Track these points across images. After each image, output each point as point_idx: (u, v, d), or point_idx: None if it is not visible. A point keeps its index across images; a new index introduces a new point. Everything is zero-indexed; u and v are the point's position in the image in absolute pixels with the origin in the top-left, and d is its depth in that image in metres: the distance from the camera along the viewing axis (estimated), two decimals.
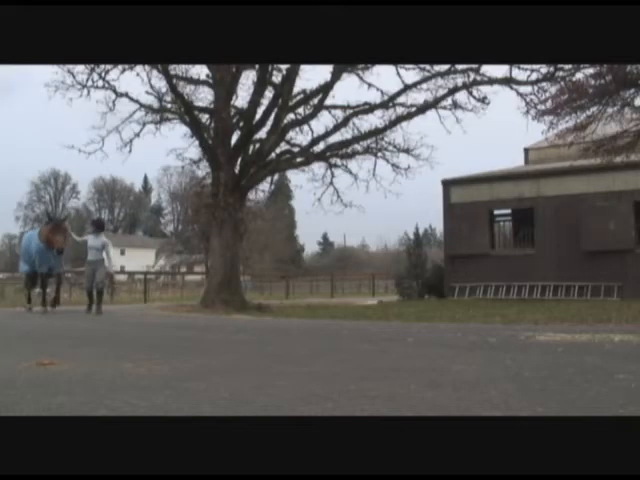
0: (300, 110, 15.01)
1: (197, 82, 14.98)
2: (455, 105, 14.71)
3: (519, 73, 13.93)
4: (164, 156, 18.07)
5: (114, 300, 19.22)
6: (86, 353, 4.38)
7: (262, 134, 14.54)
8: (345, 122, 14.95)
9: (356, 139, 15.12)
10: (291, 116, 14.92)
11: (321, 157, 15.41)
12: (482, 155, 72.68)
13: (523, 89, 13.97)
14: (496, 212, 19.87)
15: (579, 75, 12.85)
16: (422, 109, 14.71)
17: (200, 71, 14.78)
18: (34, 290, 11.91)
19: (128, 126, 15.23)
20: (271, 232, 41.33)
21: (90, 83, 14.29)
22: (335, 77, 14.20)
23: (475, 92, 14.56)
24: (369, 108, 14.88)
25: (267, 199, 28.40)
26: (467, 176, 19.91)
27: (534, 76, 13.74)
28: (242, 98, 14.76)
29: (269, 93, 14.32)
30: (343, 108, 15.08)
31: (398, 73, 14.55)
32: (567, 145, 13.92)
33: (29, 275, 12.22)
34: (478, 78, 14.38)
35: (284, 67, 13.80)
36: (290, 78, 13.97)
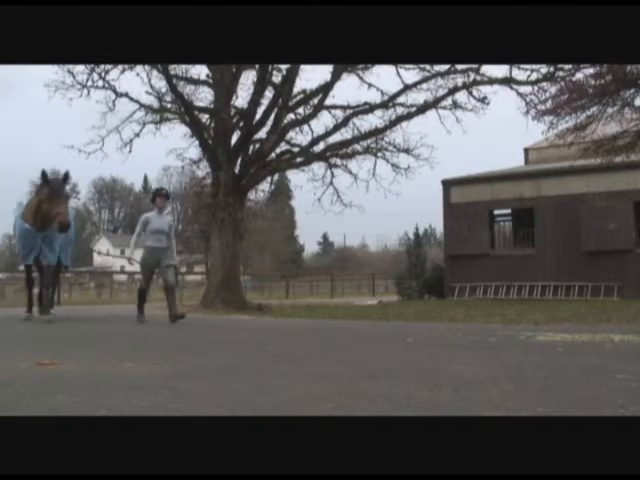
0: (300, 110, 15.02)
1: (197, 82, 14.98)
2: (455, 105, 14.72)
3: (519, 73, 13.95)
4: (164, 156, 18.08)
5: (114, 300, 19.24)
6: (86, 353, 4.38)
7: (262, 134, 14.55)
8: (345, 122, 14.95)
9: (356, 139, 15.12)
10: (291, 116, 14.93)
11: (321, 157, 15.42)
12: (482, 155, 72.74)
13: (523, 89, 13.98)
14: (496, 212, 19.89)
15: (579, 75, 12.87)
16: (422, 109, 14.71)
17: (200, 71, 14.80)
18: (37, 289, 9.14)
19: (128, 126, 15.24)
20: (271, 232, 41.33)
21: (90, 83, 14.30)
22: (335, 77, 14.20)
23: (475, 92, 14.58)
24: (369, 108, 14.88)
25: (267, 199, 28.38)
26: (467, 176, 19.92)
27: (534, 76, 13.75)
28: (242, 98, 14.78)
29: (269, 93, 14.33)
30: (343, 108, 15.08)
31: (398, 73, 14.57)
32: (567, 145, 13.94)
33: (28, 269, 9.00)
34: (478, 78, 14.39)
35: (284, 67, 13.80)
36: (290, 78, 13.98)
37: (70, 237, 9.01)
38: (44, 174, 7.98)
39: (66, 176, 8.10)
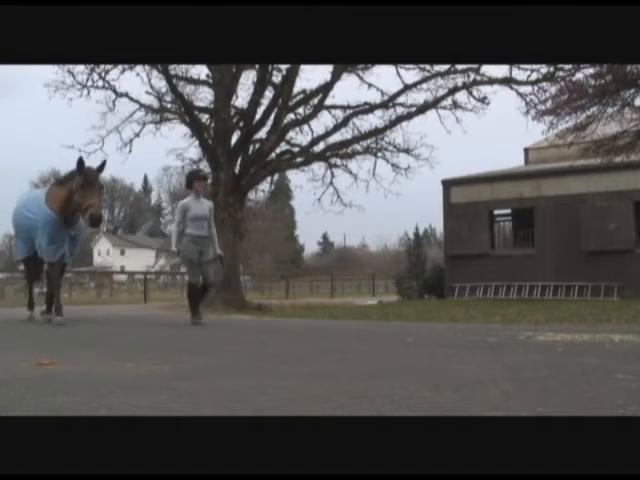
0: (300, 110, 15.03)
1: (197, 82, 14.99)
2: (455, 105, 14.73)
3: (519, 73, 13.97)
4: (164, 156, 18.09)
5: (114, 300, 19.22)
6: (86, 353, 4.38)
7: (262, 134, 14.55)
8: (345, 122, 14.96)
9: (356, 139, 15.13)
10: (291, 116, 14.94)
11: (321, 157, 15.42)
12: (482, 155, 72.79)
13: (523, 89, 13.99)
14: (496, 212, 19.89)
15: (579, 75, 12.87)
16: (422, 109, 14.72)
17: (200, 71, 14.82)
18: (37, 288, 8.64)
19: (128, 126, 15.25)
20: (271, 232, 41.34)
21: (90, 83, 14.31)
22: (335, 77, 14.21)
23: (475, 92, 14.59)
24: (369, 108, 14.89)
25: (267, 199, 28.40)
26: (467, 176, 19.93)
27: (534, 76, 13.76)
28: (242, 98, 14.79)
29: (269, 93, 14.33)
30: (343, 108, 15.09)
31: (398, 73, 14.57)
32: (567, 145, 13.95)
33: (29, 262, 8.26)
34: (478, 78, 14.40)
35: (284, 67, 13.81)
36: (290, 78, 13.98)
37: (83, 234, 8.31)
38: (81, 161, 7.23)
39: (102, 165, 7.39)
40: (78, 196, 7.11)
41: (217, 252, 7.70)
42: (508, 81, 14.10)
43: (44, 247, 7.53)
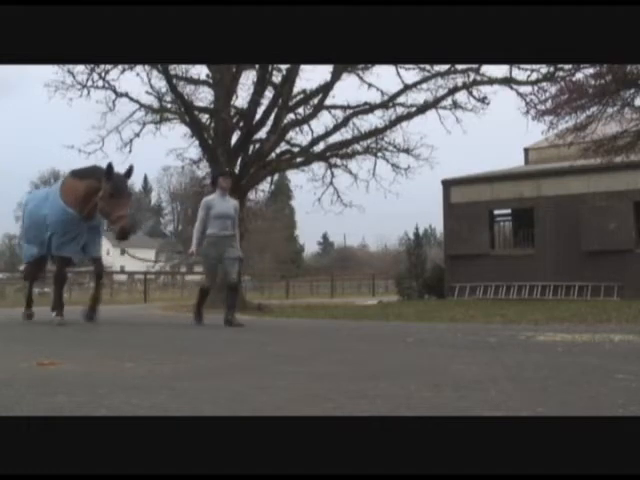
0: (300, 110, 15.03)
1: (197, 82, 15.00)
2: (455, 105, 14.74)
3: (519, 73, 13.98)
4: (164, 156, 18.09)
5: (114, 300, 19.22)
6: (86, 353, 4.38)
7: (262, 134, 14.56)
8: (345, 122, 14.97)
9: (356, 139, 15.13)
10: (291, 116, 14.94)
11: (321, 157, 15.43)
12: (482, 155, 72.81)
13: (523, 89, 14.00)
14: (496, 212, 19.89)
15: (579, 75, 12.88)
16: (422, 109, 14.72)
17: (200, 71, 14.82)
18: (37, 288, 8.37)
19: (128, 126, 15.26)
20: (271, 232, 41.33)
21: (90, 83, 14.32)
22: (335, 77, 14.21)
23: (475, 92, 14.60)
24: (369, 108, 14.89)
25: (267, 199, 28.40)
26: (467, 176, 19.93)
27: (534, 76, 13.77)
28: (242, 98, 14.79)
29: (269, 93, 14.34)
30: (343, 108, 15.09)
31: (398, 73, 14.58)
32: (567, 145, 13.95)
33: (34, 263, 7.96)
34: (478, 78, 14.41)
35: (284, 67, 13.81)
36: (290, 78, 13.98)
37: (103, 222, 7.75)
38: (110, 167, 6.77)
39: (130, 171, 7.01)
40: (106, 205, 6.72)
41: (239, 254, 7.38)
42: (508, 81, 14.10)
43: (57, 242, 7.12)
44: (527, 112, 13.74)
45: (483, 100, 14.59)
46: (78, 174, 7.38)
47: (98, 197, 6.80)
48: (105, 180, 6.76)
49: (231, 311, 7.12)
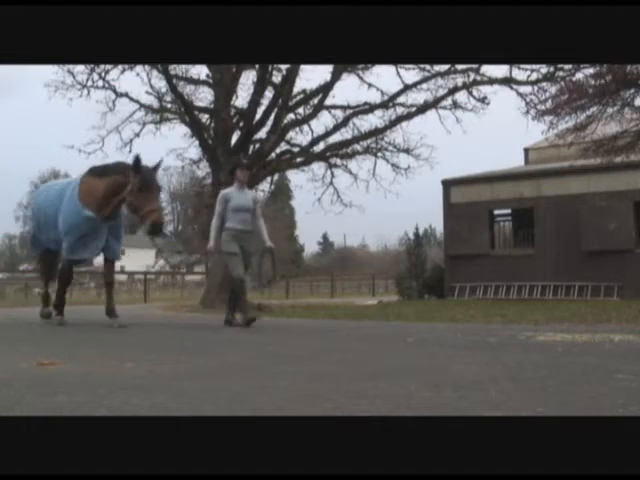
0: (300, 110, 15.03)
1: (197, 82, 15.00)
2: (455, 105, 14.74)
3: (519, 73, 13.98)
4: (164, 156, 18.06)
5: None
6: (86, 353, 4.38)
7: (262, 134, 14.56)
8: (345, 122, 14.97)
9: (356, 139, 15.13)
10: (291, 116, 14.94)
11: (321, 157, 15.43)
12: (482, 155, 72.84)
13: (523, 89, 14.00)
14: (496, 212, 19.90)
15: (579, 75, 12.87)
16: (422, 109, 14.73)
17: (200, 71, 14.82)
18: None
19: (128, 126, 15.26)
20: (271, 232, 41.28)
21: (90, 83, 14.32)
22: (335, 77, 14.21)
23: (475, 92, 14.60)
24: (369, 108, 14.89)
25: (267, 199, 28.41)
26: (467, 176, 19.93)
27: (534, 76, 13.77)
28: (242, 98, 14.79)
29: (269, 93, 14.34)
30: (343, 108, 15.09)
31: (398, 73, 14.58)
32: (567, 145, 13.95)
33: (46, 258, 7.73)
34: (478, 78, 14.41)
35: (284, 67, 13.81)
36: (290, 78, 13.98)
37: (124, 220, 7.48)
38: (137, 160, 6.43)
39: (158, 165, 6.73)
40: (135, 200, 6.40)
41: (267, 245, 7.08)
42: (508, 81, 14.10)
43: (70, 246, 6.81)
44: (527, 112, 13.75)
45: (483, 100, 14.60)
46: (97, 172, 7.05)
47: (126, 192, 6.49)
48: (133, 174, 6.46)
49: (245, 309, 6.90)
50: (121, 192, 6.59)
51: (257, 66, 13.62)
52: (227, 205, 6.81)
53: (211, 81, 14.64)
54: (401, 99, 14.91)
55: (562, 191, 17.62)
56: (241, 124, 14.51)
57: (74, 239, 6.84)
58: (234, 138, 14.48)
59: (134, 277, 31.72)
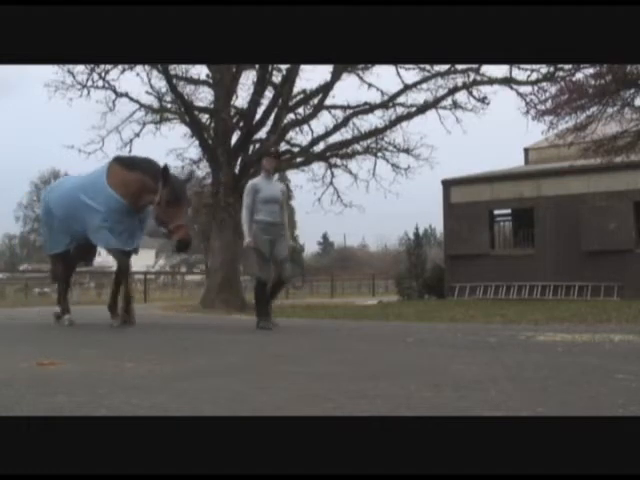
0: (300, 110, 15.04)
1: (197, 82, 15.00)
2: (455, 105, 14.75)
3: (519, 73, 13.99)
4: (164, 156, 18.06)
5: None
6: (86, 353, 4.38)
7: (262, 134, 14.56)
8: (345, 122, 14.97)
9: (356, 139, 15.14)
10: (291, 116, 14.94)
11: (321, 157, 15.43)
12: (482, 155, 72.86)
13: (523, 89, 14.01)
14: (496, 212, 19.90)
15: (579, 75, 12.88)
16: (422, 109, 14.73)
17: (200, 71, 14.83)
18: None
19: (128, 126, 15.27)
20: None
21: (90, 83, 14.32)
22: (335, 77, 14.21)
23: (475, 92, 14.61)
24: (369, 108, 14.90)
25: None
26: (467, 176, 19.94)
27: (534, 76, 13.78)
28: (242, 98, 14.80)
29: (269, 93, 14.34)
30: (343, 108, 15.10)
31: (398, 73, 14.59)
32: (567, 145, 13.95)
33: (60, 259, 7.36)
34: (478, 78, 14.42)
35: (284, 67, 13.81)
36: (290, 78, 13.98)
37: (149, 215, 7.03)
38: (166, 170, 6.18)
39: (190, 176, 6.54)
40: (162, 214, 6.11)
41: (289, 244, 6.80)
42: (508, 81, 14.11)
43: (109, 235, 6.41)
44: (527, 112, 13.75)
45: (483, 100, 14.60)
46: (126, 163, 6.69)
47: (154, 203, 6.22)
48: (162, 185, 6.16)
49: (268, 306, 6.47)
50: (148, 193, 6.30)
51: (257, 66, 13.63)
52: (256, 196, 6.40)
53: (211, 81, 14.64)
54: (401, 99, 14.93)
55: (562, 191, 17.62)
56: (241, 124, 14.51)
57: (112, 226, 6.45)
58: (234, 138, 14.48)
59: (134, 277, 31.72)
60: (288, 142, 15.45)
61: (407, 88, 14.71)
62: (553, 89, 13.39)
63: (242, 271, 19.20)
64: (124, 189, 6.39)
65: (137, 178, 6.39)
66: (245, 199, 6.53)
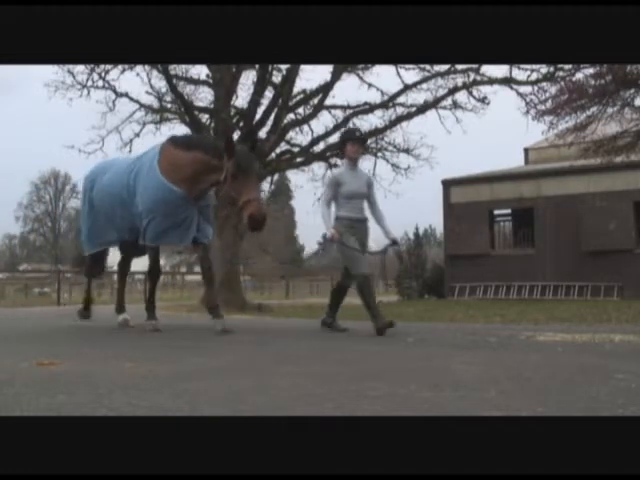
0: (300, 110, 15.03)
1: (197, 82, 15.00)
2: (455, 105, 14.74)
3: (519, 73, 13.98)
4: None
5: (114, 300, 19.18)
6: (86, 353, 4.38)
7: (262, 134, 14.55)
8: (345, 122, 14.96)
9: None
10: (291, 116, 14.94)
11: (321, 157, 15.43)
12: (482, 155, 72.85)
13: (523, 89, 14.00)
14: (496, 212, 19.92)
15: (579, 75, 12.88)
16: (422, 109, 14.73)
17: (200, 71, 14.82)
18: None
19: (128, 126, 15.26)
20: (271, 232, 41.30)
21: (90, 83, 14.31)
22: (335, 77, 14.21)
23: (475, 92, 14.60)
24: (369, 108, 14.89)
25: (267, 199, 28.43)
26: (467, 176, 19.94)
27: (534, 76, 13.77)
28: (242, 98, 14.79)
29: (269, 93, 14.33)
30: (343, 108, 15.10)
31: (398, 73, 14.58)
32: (567, 145, 13.96)
33: (94, 256, 6.81)
34: (478, 78, 14.41)
35: (284, 67, 13.81)
36: (290, 78, 13.98)
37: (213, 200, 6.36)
38: (230, 141, 5.46)
39: (254, 145, 5.75)
40: (231, 190, 5.30)
41: (391, 236, 6.02)
42: (508, 81, 14.10)
43: (157, 229, 5.68)
44: (527, 112, 13.75)
45: (483, 100, 14.59)
46: (181, 142, 5.84)
47: (221, 180, 5.42)
48: (227, 158, 5.36)
49: (378, 314, 5.71)
50: (210, 174, 5.52)
51: (257, 66, 13.62)
52: (338, 190, 5.66)
53: (211, 81, 14.64)
54: (401, 99, 14.92)
55: (562, 191, 17.63)
56: (241, 124, 14.50)
57: (160, 220, 5.70)
58: (234, 138, 14.47)
59: (134, 277, 31.70)
60: (288, 142, 15.44)
61: (407, 88, 14.71)
62: (553, 89, 13.40)
63: (242, 271, 19.22)
64: (178, 175, 5.59)
65: (196, 159, 5.56)
66: (325, 192, 5.88)
